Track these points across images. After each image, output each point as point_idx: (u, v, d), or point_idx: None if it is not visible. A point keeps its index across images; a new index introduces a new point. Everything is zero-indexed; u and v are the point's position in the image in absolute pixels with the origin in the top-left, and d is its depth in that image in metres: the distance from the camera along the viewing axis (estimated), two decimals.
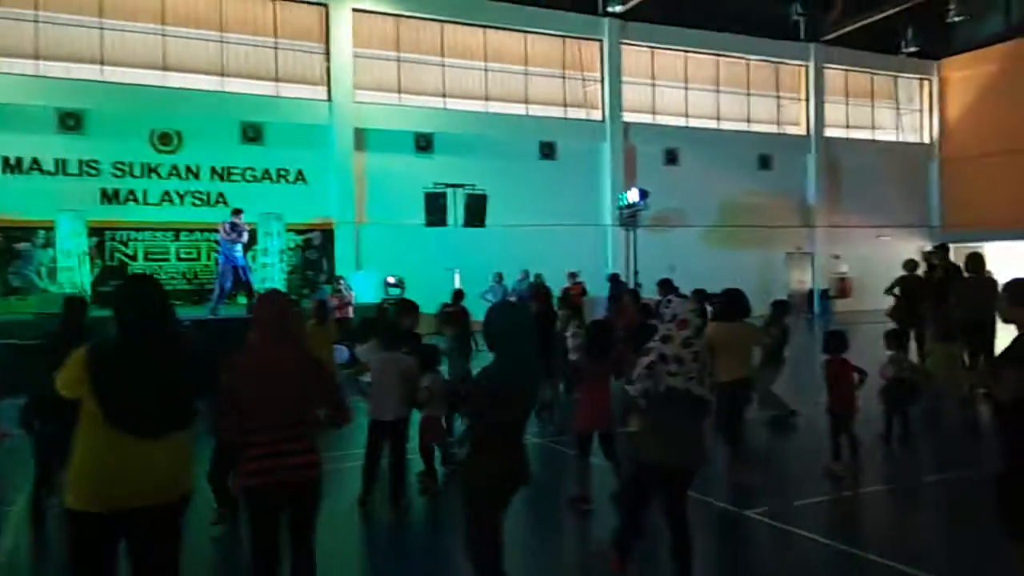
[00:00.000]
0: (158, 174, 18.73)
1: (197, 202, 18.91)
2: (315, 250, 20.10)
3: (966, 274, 10.13)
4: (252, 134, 19.76)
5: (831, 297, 26.97)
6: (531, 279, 18.00)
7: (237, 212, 14.02)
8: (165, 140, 18.81)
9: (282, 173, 19.99)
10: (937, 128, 30.49)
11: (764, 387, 8.80)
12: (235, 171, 19.44)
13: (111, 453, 2.93)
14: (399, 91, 21.86)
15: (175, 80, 19.12)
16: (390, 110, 21.44)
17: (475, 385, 3.79)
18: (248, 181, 19.53)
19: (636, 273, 21.26)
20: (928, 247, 22.70)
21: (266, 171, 19.79)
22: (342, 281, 15.48)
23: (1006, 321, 3.87)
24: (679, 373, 3.93)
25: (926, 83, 30.47)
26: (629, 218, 22.26)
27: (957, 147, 29.70)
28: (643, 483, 4.19)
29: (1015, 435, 3.76)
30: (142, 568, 3.05)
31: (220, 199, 18.87)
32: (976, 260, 10.09)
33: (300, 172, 20.19)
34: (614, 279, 17.12)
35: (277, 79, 20.34)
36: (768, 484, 6.63)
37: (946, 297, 10.23)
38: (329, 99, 20.61)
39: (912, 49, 28.37)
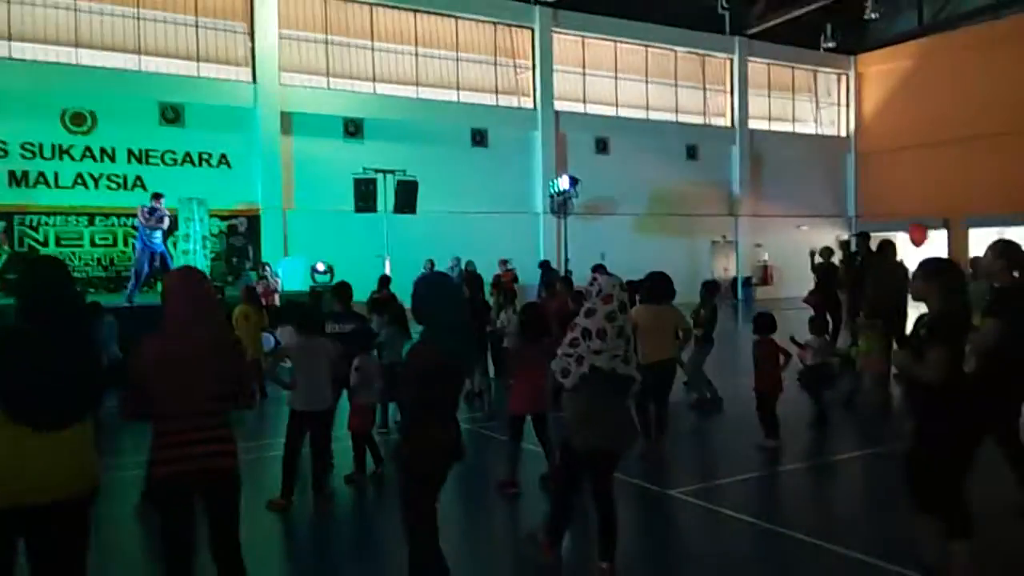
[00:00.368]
0: (71, 156, 17.85)
1: (113, 186, 18.12)
2: (240, 237, 19.54)
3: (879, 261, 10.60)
4: (171, 115, 19.03)
5: (753, 285, 27.81)
6: (462, 266, 17.96)
7: (157, 196, 13.54)
8: (78, 120, 17.93)
9: (204, 157, 19.33)
10: (853, 121, 31.71)
11: (694, 368, 8.98)
12: (154, 154, 18.69)
13: (10, 446, 2.74)
14: (327, 74, 21.39)
15: (88, 58, 18.24)
16: (318, 94, 20.97)
17: (407, 361, 3.71)
18: (168, 164, 18.80)
19: (567, 260, 21.46)
20: (844, 236, 23.61)
21: (187, 154, 19.09)
22: (268, 268, 15.12)
23: (916, 299, 4.07)
24: (603, 351, 3.87)
25: (843, 78, 31.63)
26: (560, 206, 22.41)
27: (872, 140, 30.99)
28: (572, 467, 4.17)
29: (925, 413, 3.97)
30: (44, 568, 2.87)
31: (138, 183, 18.13)
32: (887, 247, 10.54)
33: (224, 156, 19.56)
34: (545, 266, 17.22)
35: (198, 59, 19.62)
36: (692, 464, 6.80)
37: (864, 283, 10.68)
38: (254, 81, 20.01)
39: (830, 44, 29.39)
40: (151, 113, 18.79)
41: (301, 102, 20.58)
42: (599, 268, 10.66)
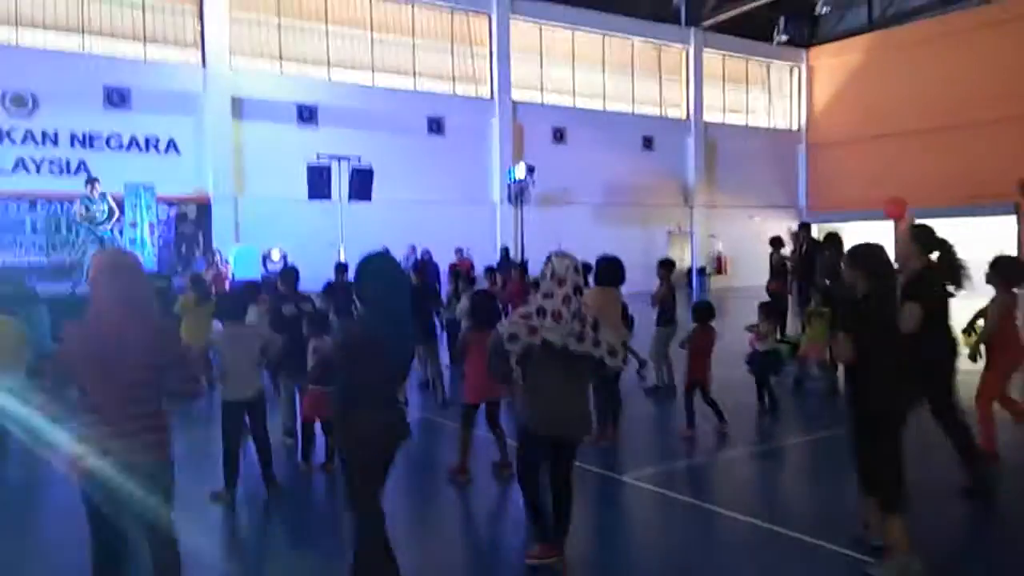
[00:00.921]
0: (11, 139, 17.22)
1: (56, 170, 17.53)
2: (190, 224, 19.08)
3: (826, 252, 10.82)
4: (117, 99, 18.47)
5: (708, 274, 28.20)
6: (418, 255, 17.85)
7: (92, 182, 13.33)
8: (19, 103, 17.28)
9: (152, 142, 18.82)
10: (805, 114, 32.30)
11: (657, 350, 8.98)
12: (98, 138, 18.13)
13: None
14: (280, 59, 20.98)
15: (29, 38, 17.59)
16: (270, 78, 20.56)
17: (340, 341, 3.66)
18: (113, 149, 18.26)
19: (523, 249, 21.47)
20: (795, 227, 23.97)
21: (133, 139, 18.56)
22: (218, 255, 14.79)
23: (849, 284, 4.20)
24: (556, 329, 3.81)
25: (795, 71, 32.17)
26: (517, 195, 22.40)
27: (822, 133, 31.62)
28: (531, 453, 4.08)
29: (851, 395, 4.14)
30: None
31: (82, 167, 17.56)
32: (833, 239, 10.75)
33: (172, 141, 19.07)
34: (504, 252, 17.34)
35: (145, 40, 19.06)
36: (645, 449, 6.86)
37: (812, 272, 10.89)
38: (203, 64, 19.53)
39: (783, 38, 29.85)
40: (95, 96, 18.20)
41: (252, 87, 20.16)
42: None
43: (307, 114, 20.97)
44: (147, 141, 18.75)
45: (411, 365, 3.70)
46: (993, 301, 5.83)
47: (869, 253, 4.17)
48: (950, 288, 5.11)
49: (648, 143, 27.91)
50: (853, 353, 3.94)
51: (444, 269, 16.39)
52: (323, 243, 17.52)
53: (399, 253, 17.86)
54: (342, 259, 15.36)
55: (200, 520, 5.08)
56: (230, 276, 14.58)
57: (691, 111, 28.88)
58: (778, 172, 31.47)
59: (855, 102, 30.12)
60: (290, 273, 7.10)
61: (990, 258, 5.89)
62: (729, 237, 28.81)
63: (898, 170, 28.36)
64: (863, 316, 4.03)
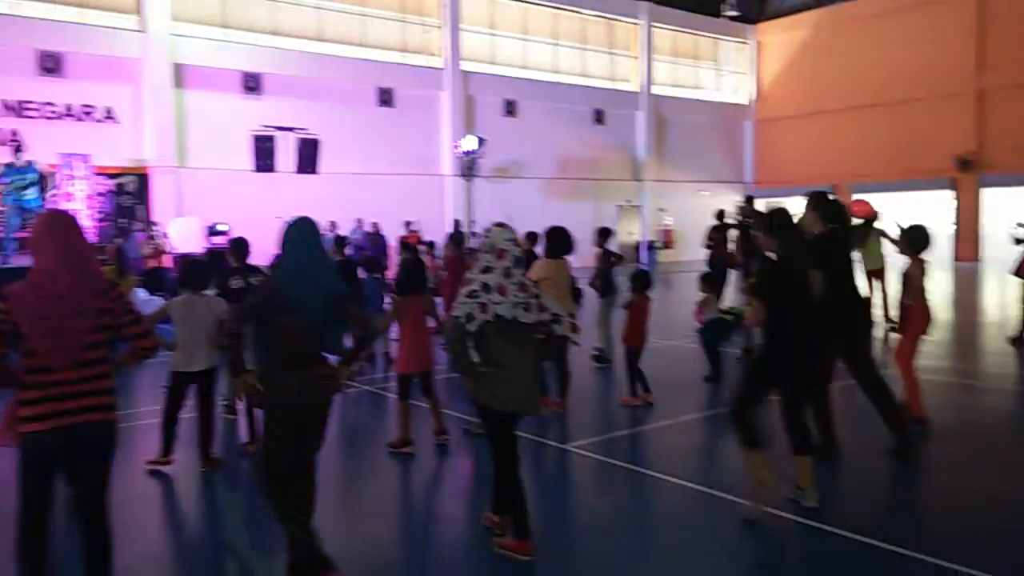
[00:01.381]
0: None
1: None
2: (129, 196, 18.52)
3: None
4: (51, 65, 17.74)
5: (657, 248, 28.53)
6: (366, 228, 17.68)
7: (16, 148, 13.04)
8: None
9: (88, 111, 18.15)
10: (753, 90, 32.74)
11: (603, 316, 9.04)
12: (31, 106, 17.41)
13: None
14: (224, 26, 20.38)
15: None
16: (213, 46, 19.97)
17: (249, 301, 3.67)
18: (48, 118, 17.57)
19: (473, 223, 21.42)
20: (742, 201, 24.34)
21: (68, 108, 17.89)
22: (157, 228, 14.41)
23: (764, 251, 4.45)
24: (504, 302, 3.79)
25: (744, 46, 32.53)
26: (467, 168, 22.29)
27: (769, 108, 32.12)
28: (500, 431, 3.98)
29: (771, 359, 4.41)
30: None
31: (14, 137, 16.85)
32: (783, 213, 10.97)
33: (110, 110, 18.43)
34: (456, 225, 17.36)
35: (81, 3, 18.30)
36: (590, 419, 6.97)
37: (755, 244, 11.12)
38: (143, 30, 18.85)
39: (732, 13, 30.09)
40: (28, 62, 17.45)
41: (195, 54, 19.56)
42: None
43: (252, 83, 20.46)
44: (83, 109, 18.09)
45: (337, 326, 3.64)
46: (907, 270, 6.14)
47: (781, 220, 4.38)
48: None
49: (599, 116, 27.98)
50: (763, 316, 4.24)
51: (395, 244, 16.27)
52: (269, 216, 17.15)
53: (347, 226, 17.67)
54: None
55: (133, 489, 5.02)
56: (171, 249, 14.23)
57: (642, 84, 29.01)
58: (726, 147, 31.91)
59: (801, 78, 30.64)
60: (240, 244, 6.89)
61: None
62: (678, 211, 29.17)
63: (840, 145, 29.05)
64: (774, 280, 4.27)
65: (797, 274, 4.36)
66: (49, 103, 17.61)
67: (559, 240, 6.60)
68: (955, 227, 26.78)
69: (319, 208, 18.00)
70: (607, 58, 28.58)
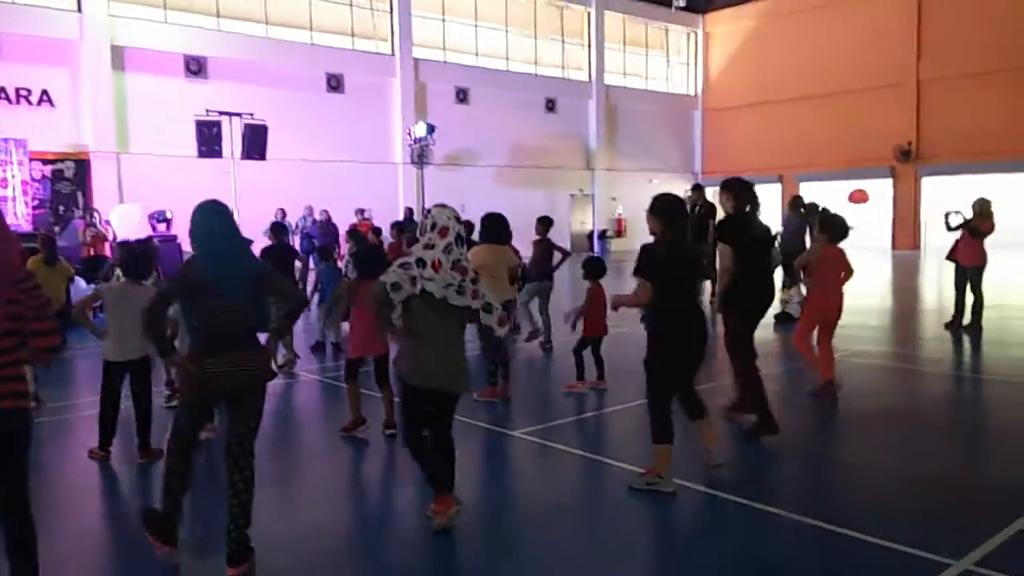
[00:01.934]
0: None
1: None
2: (67, 183, 17.95)
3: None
4: None
5: (609, 237, 28.79)
6: (315, 216, 17.44)
7: None
8: None
9: (23, 93, 17.51)
10: (701, 80, 33.17)
11: (525, 301, 9.17)
12: None
13: None
14: (164, 6, 19.81)
15: None
16: (154, 27, 19.42)
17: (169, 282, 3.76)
18: None
19: (426, 211, 21.28)
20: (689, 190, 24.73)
21: (2, 90, 17.21)
22: (98, 215, 14.02)
23: (652, 233, 4.62)
24: (435, 279, 3.83)
25: (692, 36, 32.91)
26: (419, 155, 22.14)
27: (716, 98, 32.61)
28: (412, 407, 4.05)
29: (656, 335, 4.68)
30: None
31: None
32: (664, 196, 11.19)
33: (45, 93, 17.80)
34: (408, 213, 17.29)
35: None
36: (534, 405, 7.01)
37: (707, 231, 11.36)
38: (79, 10, 18.22)
39: (681, 3, 30.42)
40: None
41: (135, 35, 18.99)
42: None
43: (195, 66, 19.97)
44: (18, 92, 17.43)
45: (256, 305, 3.66)
46: (810, 255, 6.75)
47: (664, 203, 4.59)
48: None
49: (551, 105, 28.04)
50: (648, 297, 4.46)
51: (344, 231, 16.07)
52: None
53: (296, 214, 17.41)
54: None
55: (68, 480, 4.90)
56: (111, 236, 13.84)
57: (593, 73, 29.15)
58: (676, 136, 32.29)
59: (748, 68, 31.16)
60: (280, 226, 7.33)
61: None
62: (629, 200, 29.43)
63: (785, 135, 29.68)
64: (655, 260, 4.48)
65: (676, 257, 4.54)
66: None
67: (495, 226, 6.65)
68: (894, 216, 27.62)
69: (269, 195, 17.73)
70: (558, 46, 28.62)
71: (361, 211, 17.78)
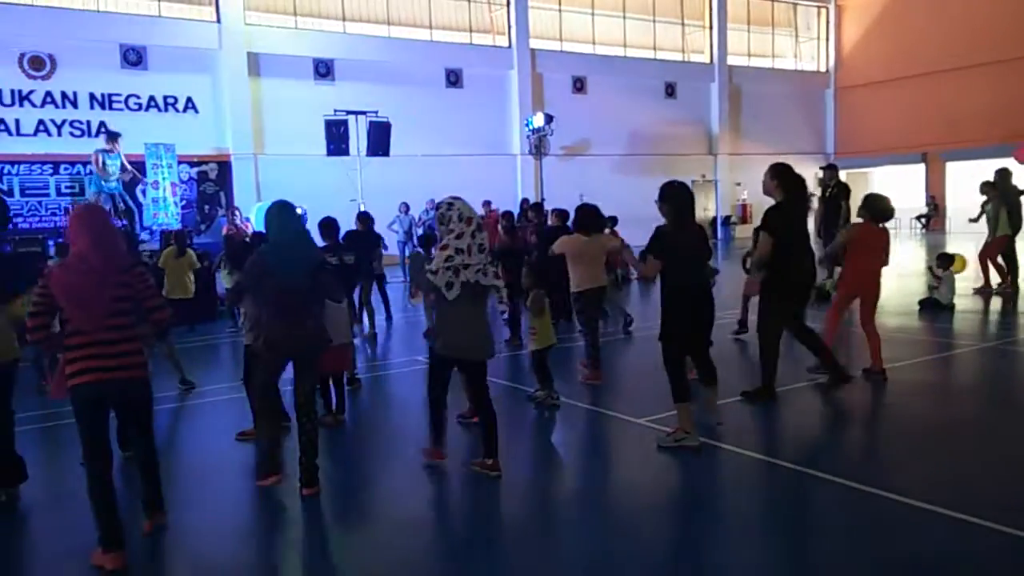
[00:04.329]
0: (31, 102, 17.33)
1: (76, 132, 17.65)
2: (211, 183, 19.16)
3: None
4: (134, 58, 18.44)
5: (733, 223, 27.81)
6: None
7: (112, 138, 13.79)
8: (36, 64, 17.34)
9: (170, 101, 18.82)
10: (833, 56, 31.36)
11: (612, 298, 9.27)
12: (117, 99, 18.18)
13: None
14: (295, 13, 20.75)
15: None
16: (286, 34, 20.37)
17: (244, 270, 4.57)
18: (133, 110, 18.30)
19: (543, 201, 21.26)
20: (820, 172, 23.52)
21: (152, 99, 18.58)
22: (238, 212, 14.86)
23: (663, 215, 5.04)
24: (471, 265, 4.43)
25: (823, 11, 31.15)
26: (537, 146, 22.13)
27: (851, 75, 30.71)
28: (438, 369, 4.75)
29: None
30: None
31: (102, 129, 17.61)
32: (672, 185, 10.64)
33: (190, 100, 19.05)
34: (523, 203, 17.28)
35: None
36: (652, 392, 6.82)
37: (838, 215, 10.76)
38: (217, 20, 19.37)
39: None
40: (112, 56, 18.19)
41: (268, 42, 20.00)
42: (552, 210, 10.59)
43: (324, 69, 20.80)
44: (165, 100, 18.75)
45: (321, 288, 4.44)
46: (848, 233, 6.82)
47: (672, 191, 5.02)
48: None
49: (671, 90, 27.34)
50: (654, 272, 5.03)
51: None
52: (342, 199, 17.47)
53: (418, 208, 17.84)
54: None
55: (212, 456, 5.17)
56: (251, 233, 14.64)
57: (715, 55, 28.16)
58: (805, 117, 30.72)
59: (886, 41, 29.14)
60: (329, 224, 7.69)
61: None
62: (754, 185, 28.17)
63: (928, 111, 27.59)
64: (659, 242, 4.97)
65: (682, 238, 4.98)
66: (134, 95, 18.33)
67: (586, 216, 6.94)
68: None
69: (392, 191, 18.24)
70: (678, 29, 27.84)
71: (487, 203, 17.94)
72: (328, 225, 7.71)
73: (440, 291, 4.42)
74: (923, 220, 28.19)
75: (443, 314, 4.56)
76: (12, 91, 17.09)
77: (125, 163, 14.33)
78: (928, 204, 28.34)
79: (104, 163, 13.85)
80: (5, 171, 16.72)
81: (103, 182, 13.88)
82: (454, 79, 23.05)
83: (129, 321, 3.70)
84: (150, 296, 3.82)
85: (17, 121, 17.11)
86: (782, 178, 5.86)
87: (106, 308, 3.59)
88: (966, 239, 23.32)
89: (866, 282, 6.58)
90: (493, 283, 4.58)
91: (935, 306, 10.19)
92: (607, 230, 8.13)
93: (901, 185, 28.16)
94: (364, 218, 10.19)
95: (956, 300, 10.34)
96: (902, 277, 13.98)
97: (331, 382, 6.08)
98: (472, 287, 4.45)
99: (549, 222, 10.38)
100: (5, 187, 16.71)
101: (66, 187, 17.29)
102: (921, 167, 28.55)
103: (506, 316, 8.43)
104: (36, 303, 3.59)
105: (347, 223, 11.73)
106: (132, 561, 3.67)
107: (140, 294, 3.75)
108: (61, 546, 3.95)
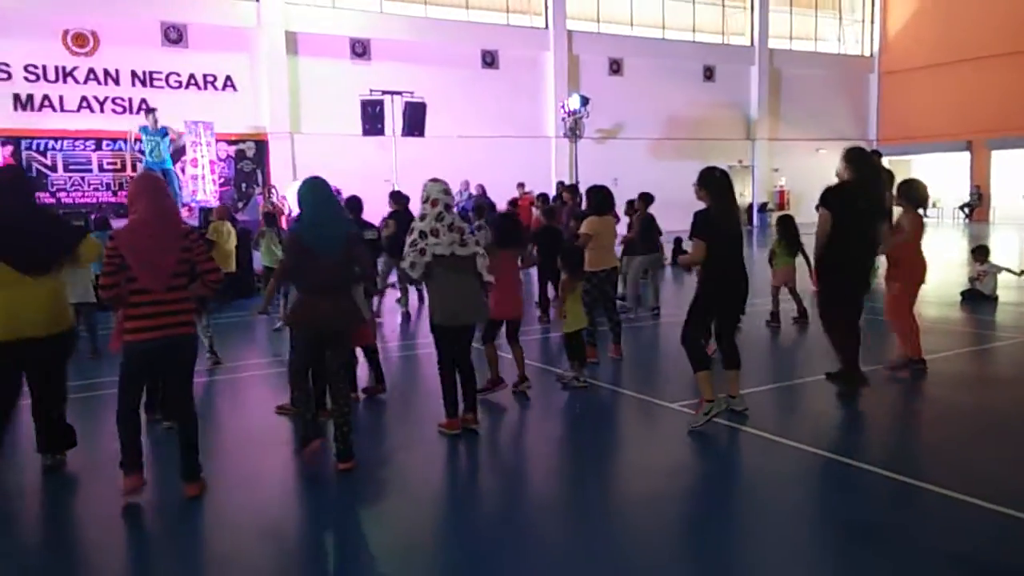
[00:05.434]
0: (75, 79, 17.61)
1: (119, 109, 17.90)
2: (248, 161, 19.37)
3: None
4: (174, 36, 18.63)
5: (770, 210, 27.38)
6: (471, 191, 17.77)
7: (150, 111, 14.07)
8: (80, 41, 17.61)
9: (209, 79, 18.99)
10: (878, 40, 30.60)
11: (631, 278, 9.42)
12: (158, 76, 18.39)
13: (12, 294, 4.03)
14: None
15: None
16: (323, 13, 20.42)
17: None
18: (173, 87, 18.51)
19: (577, 183, 21.15)
20: None
21: (191, 77, 18.76)
22: (275, 190, 15.02)
23: (700, 200, 5.09)
24: (440, 243, 4.73)
25: None
26: (572, 128, 21.99)
27: (896, 59, 29.95)
28: (443, 344, 4.98)
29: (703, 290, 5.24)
30: (40, 384, 4.32)
31: (144, 107, 17.86)
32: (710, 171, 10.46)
33: (229, 78, 19.22)
34: (559, 186, 17.15)
35: None
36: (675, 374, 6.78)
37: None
38: None
39: None
40: (153, 33, 18.40)
41: (306, 21, 20.07)
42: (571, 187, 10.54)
43: (360, 49, 20.84)
44: (205, 78, 18.94)
45: (356, 261, 4.50)
46: (899, 221, 6.48)
47: (711, 177, 5.06)
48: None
49: (709, 73, 26.93)
50: (703, 255, 5.00)
51: (502, 206, 16.22)
52: (377, 179, 17.58)
53: (453, 189, 17.82)
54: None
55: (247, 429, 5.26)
56: (287, 211, 14.80)
57: (755, 38, 27.64)
58: (847, 102, 30.07)
59: (933, 25, 28.35)
60: (354, 201, 7.82)
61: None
62: (794, 171, 27.85)
63: (976, 97, 26.84)
64: (706, 226, 4.99)
65: (724, 221, 5.03)
66: (174, 72, 18.54)
67: (599, 197, 7.05)
68: None
69: (427, 171, 18.16)
70: (718, 11, 27.35)
71: (521, 185, 17.90)
72: (351, 203, 7.81)
73: (407, 272, 4.79)
74: (966, 210, 27.52)
75: (433, 290, 4.92)
76: (56, 67, 17.38)
77: (171, 131, 14.67)
78: (972, 194, 27.65)
79: (144, 137, 14.17)
80: (49, 147, 17.08)
81: (152, 158, 14.15)
82: (490, 60, 22.94)
83: (186, 282, 4.03)
84: (205, 260, 4.14)
85: (61, 98, 17.42)
86: (856, 163, 5.65)
87: (168, 270, 3.91)
88: (1011, 229, 22.70)
89: (922, 270, 6.50)
90: (473, 251, 4.89)
91: (978, 297, 9.98)
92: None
93: (945, 174, 27.49)
94: (398, 196, 10.27)
95: (1000, 292, 10.11)
96: (945, 268, 13.67)
97: (366, 356, 6.18)
98: (449, 259, 4.79)
99: (583, 206, 10.35)
100: (49, 162, 17.08)
101: (108, 163, 17.62)
102: (966, 155, 27.83)
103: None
104: (107, 262, 3.84)
105: (381, 202, 11.82)
106: (170, 529, 3.82)
107: (196, 257, 4.06)
108: (105, 508, 4.07)
